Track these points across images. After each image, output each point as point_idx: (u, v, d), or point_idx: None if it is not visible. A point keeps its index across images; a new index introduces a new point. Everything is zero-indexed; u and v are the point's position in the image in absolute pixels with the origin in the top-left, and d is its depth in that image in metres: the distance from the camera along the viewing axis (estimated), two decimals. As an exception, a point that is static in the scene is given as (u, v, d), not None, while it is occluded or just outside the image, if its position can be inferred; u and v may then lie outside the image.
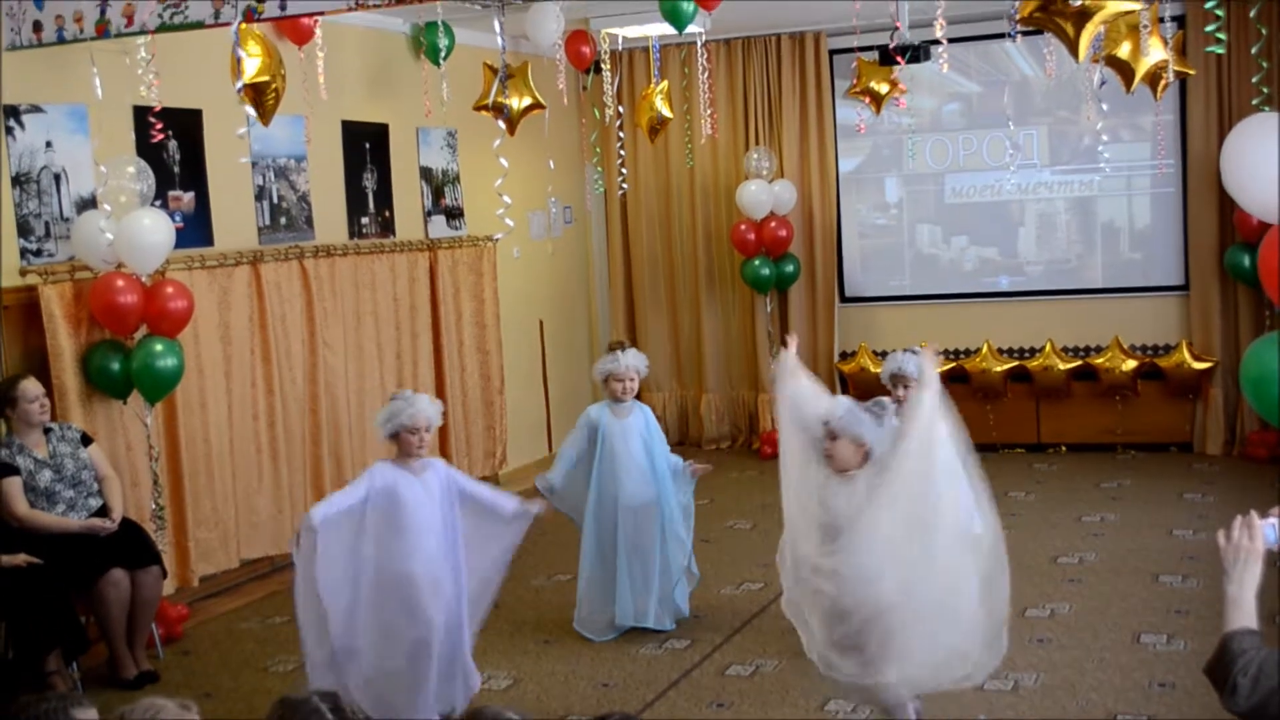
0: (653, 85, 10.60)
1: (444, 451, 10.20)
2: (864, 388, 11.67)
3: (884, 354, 11.69)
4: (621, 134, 10.67)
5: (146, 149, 7.59)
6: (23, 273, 7.12)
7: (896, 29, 8.57)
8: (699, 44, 10.26)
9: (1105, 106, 6.76)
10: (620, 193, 11.27)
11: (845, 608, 4.91)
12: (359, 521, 5.61)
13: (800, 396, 5.28)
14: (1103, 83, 7.19)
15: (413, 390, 6.03)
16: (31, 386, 6.69)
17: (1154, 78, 7.60)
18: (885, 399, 5.34)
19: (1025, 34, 7.79)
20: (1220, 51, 8.16)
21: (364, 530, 5.62)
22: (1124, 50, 7.36)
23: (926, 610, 4.92)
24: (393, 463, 5.75)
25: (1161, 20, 7.64)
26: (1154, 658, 6.31)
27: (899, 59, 8.09)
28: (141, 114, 7.58)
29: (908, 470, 4.93)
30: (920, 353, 5.90)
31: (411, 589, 5.61)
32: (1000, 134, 11.21)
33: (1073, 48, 5.87)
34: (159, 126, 6.51)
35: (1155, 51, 7.42)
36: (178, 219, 7.86)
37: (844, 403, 5.17)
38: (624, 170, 10.33)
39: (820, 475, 5.10)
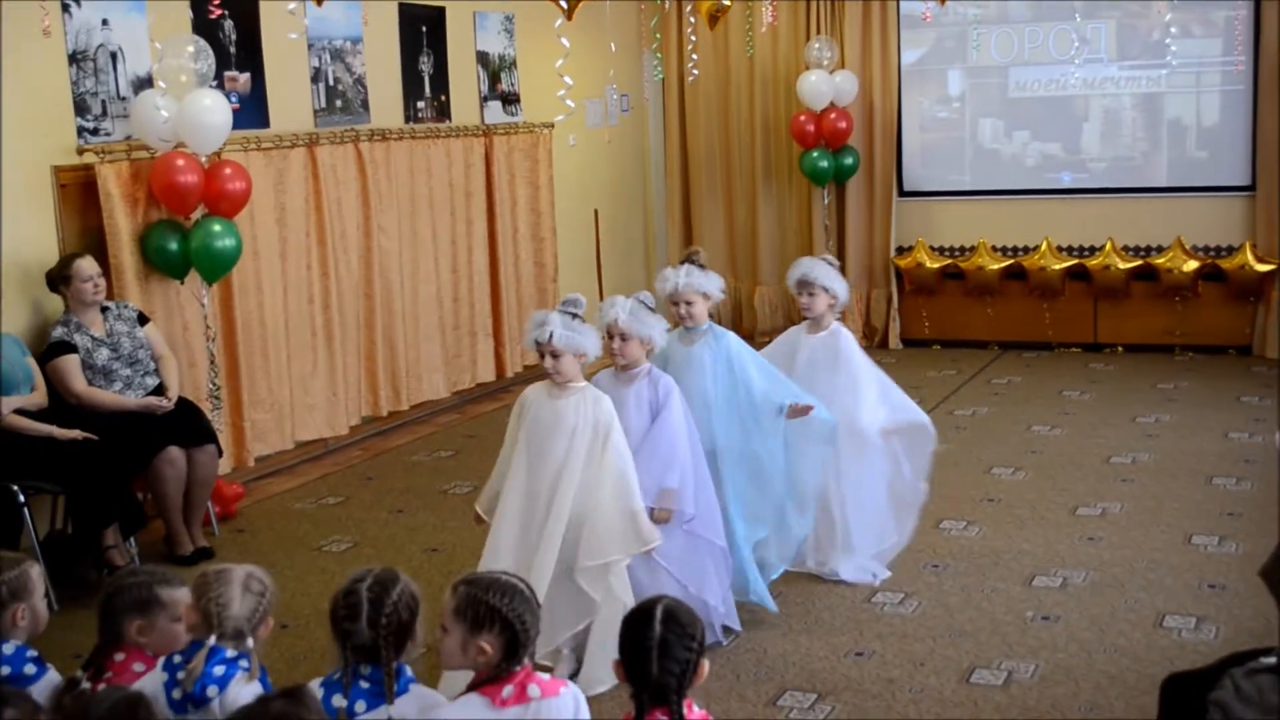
0: (712, -29, 10.43)
1: (496, 339, 10.24)
2: (920, 282, 11.60)
3: (941, 249, 11.61)
4: (692, 19, 10.51)
5: (203, 28, 7.55)
6: (80, 151, 7.13)
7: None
8: (761, -71, 10.08)
9: (1177, -1, 6.58)
10: (691, 79, 11.09)
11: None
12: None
13: None
14: (1176, -26, 7.00)
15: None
16: (86, 265, 6.73)
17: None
18: (579, 296, 5.09)
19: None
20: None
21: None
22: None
23: None
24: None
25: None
26: (1205, 559, 6.27)
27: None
28: (198, -7, 7.54)
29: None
30: None
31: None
32: (1067, 26, 10.97)
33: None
34: (216, 1, 6.46)
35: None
36: (234, 100, 7.83)
37: (555, 319, 4.95)
38: (694, 56, 10.18)
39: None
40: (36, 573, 3.74)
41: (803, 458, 5.76)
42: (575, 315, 4.98)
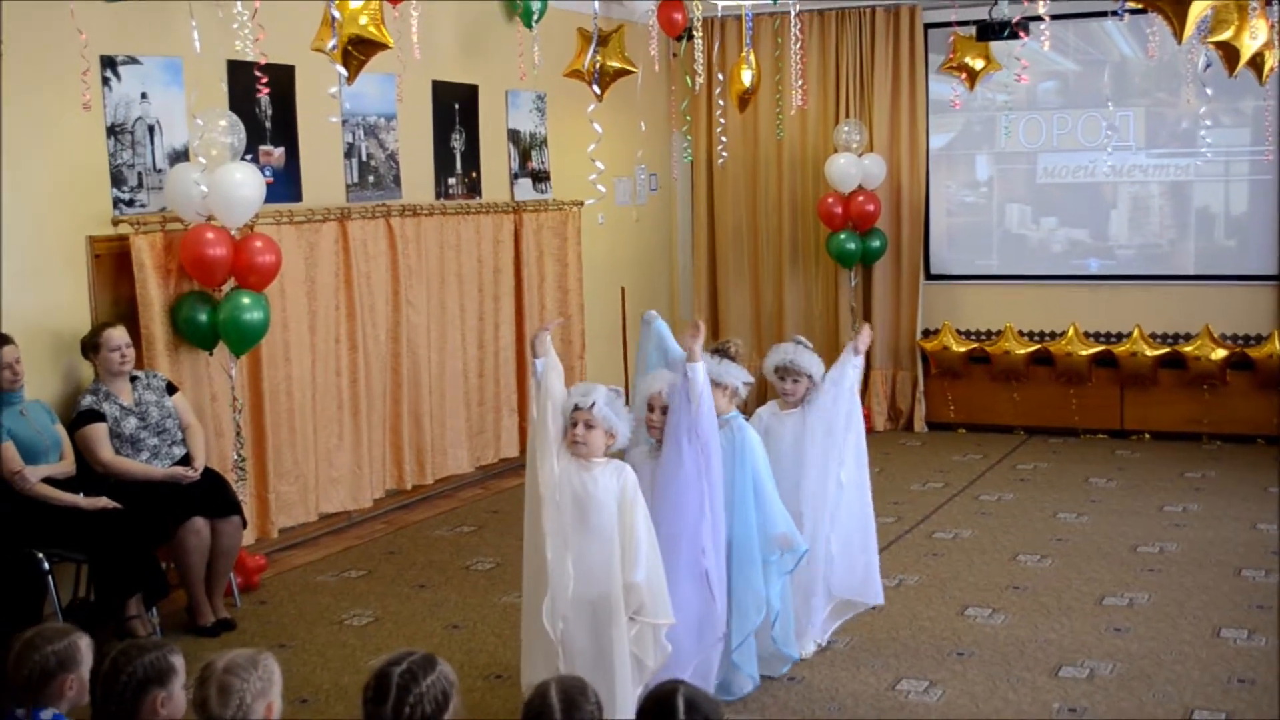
0: (742, 55, 10.52)
1: (521, 415, 10.24)
2: (945, 366, 11.58)
3: (968, 333, 11.60)
4: (721, 102, 10.58)
5: (239, 103, 7.64)
6: (115, 222, 7.20)
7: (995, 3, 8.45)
8: (792, 14, 10.16)
9: (1209, 90, 6.61)
10: (720, 161, 11.17)
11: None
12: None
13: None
14: (1207, 65, 7.02)
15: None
16: (116, 335, 6.77)
17: (1258, 61, 7.41)
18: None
19: (1131, 13, 7.65)
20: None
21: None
22: (1228, 32, 7.17)
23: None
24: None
25: (1270, 3, 7.44)
26: (1234, 653, 6.20)
27: (1022, 34, 7.95)
28: (235, 68, 7.63)
29: None
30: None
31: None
32: (1095, 114, 11.04)
33: (1178, 29, 5.75)
34: (264, 81, 6.53)
35: (1262, 34, 7.22)
36: (268, 174, 7.91)
37: (601, 391, 5.05)
38: (724, 139, 10.24)
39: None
40: (86, 645, 3.74)
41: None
42: (619, 397, 5.10)
